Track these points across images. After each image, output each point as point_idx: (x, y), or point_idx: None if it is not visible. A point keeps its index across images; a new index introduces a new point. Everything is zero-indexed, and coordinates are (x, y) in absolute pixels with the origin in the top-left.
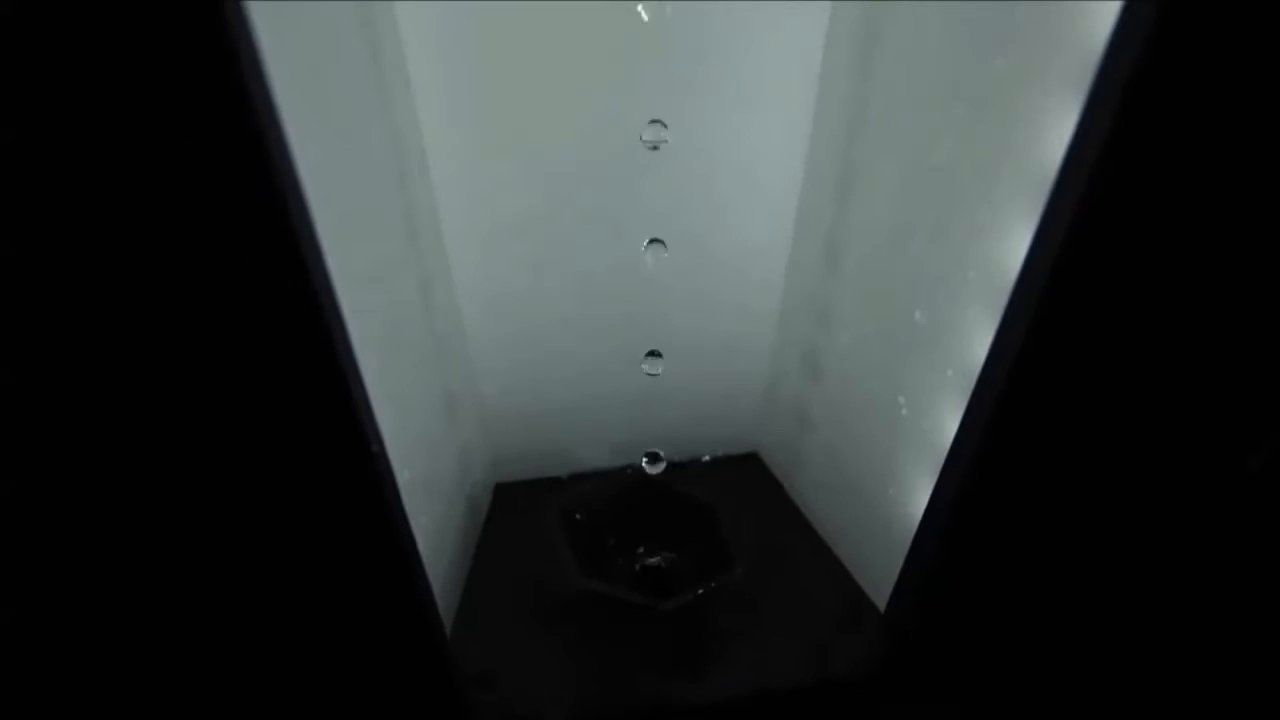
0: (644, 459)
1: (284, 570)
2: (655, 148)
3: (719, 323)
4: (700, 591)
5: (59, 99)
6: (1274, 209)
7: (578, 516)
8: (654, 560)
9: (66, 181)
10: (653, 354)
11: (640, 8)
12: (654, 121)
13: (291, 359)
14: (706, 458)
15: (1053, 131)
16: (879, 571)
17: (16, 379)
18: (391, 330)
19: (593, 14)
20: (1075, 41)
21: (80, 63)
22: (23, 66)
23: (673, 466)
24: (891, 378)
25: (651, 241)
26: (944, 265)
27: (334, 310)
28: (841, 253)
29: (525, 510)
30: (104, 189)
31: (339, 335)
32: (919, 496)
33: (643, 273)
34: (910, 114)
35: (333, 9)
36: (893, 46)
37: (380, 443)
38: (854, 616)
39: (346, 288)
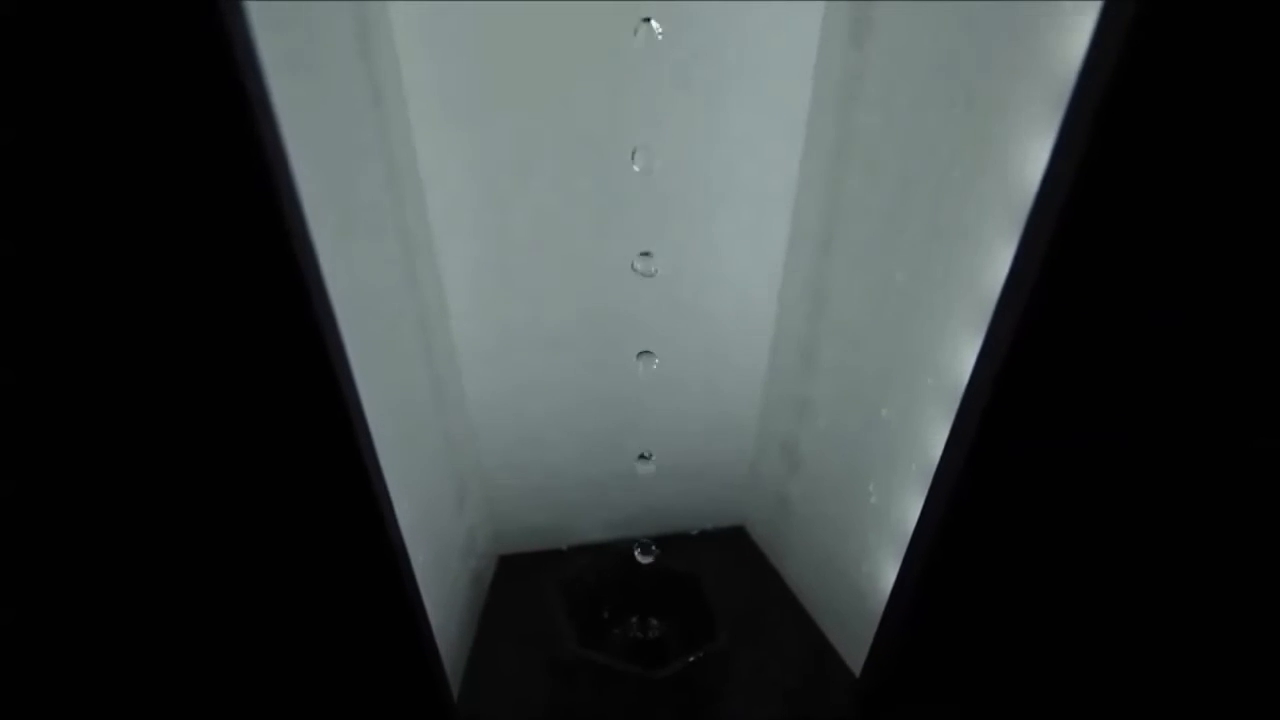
0: (637, 550)
1: (306, 639)
2: (648, 274)
3: (707, 409)
4: (691, 659)
5: (58, 100)
6: (1200, 302)
7: (575, 589)
8: (647, 630)
9: (64, 184)
10: (643, 457)
11: (633, 158)
12: (644, 253)
13: (321, 461)
14: (696, 531)
15: (996, 256)
16: (854, 639)
17: (17, 379)
18: (408, 432)
19: (585, 154)
20: (1012, 179)
21: (80, 64)
22: (21, 67)
23: (663, 541)
24: (862, 467)
25: (642, 353)
26: (905, 370)
27: (362, 422)
28: (816, 354)
29: (527, 581)
30: (104, 213)
31: (365, 443)
32: (888, 573)
33: (637, 371)
34: (874, 238)
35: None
36: (858, 177)
37: (399, 531)
38: (830, 681)
39: (370, 396)
